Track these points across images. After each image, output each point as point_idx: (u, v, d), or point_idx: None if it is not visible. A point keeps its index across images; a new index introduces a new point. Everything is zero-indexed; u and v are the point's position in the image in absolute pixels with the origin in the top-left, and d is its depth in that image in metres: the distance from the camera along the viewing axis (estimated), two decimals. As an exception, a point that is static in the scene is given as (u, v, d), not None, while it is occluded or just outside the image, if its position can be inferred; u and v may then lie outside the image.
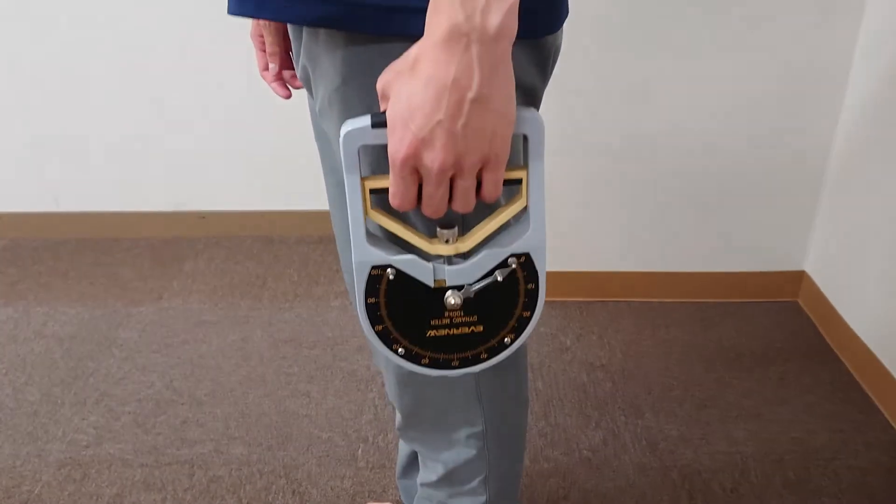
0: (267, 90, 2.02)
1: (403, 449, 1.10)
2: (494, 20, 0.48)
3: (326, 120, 0.65)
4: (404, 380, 0.76)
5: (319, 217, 2.19)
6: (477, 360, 0.64)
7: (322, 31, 0.60)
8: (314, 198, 2.16)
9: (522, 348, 0.80)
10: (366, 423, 1.49)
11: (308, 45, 0.63)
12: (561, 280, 1.86)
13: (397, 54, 0.55)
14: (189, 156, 2.12)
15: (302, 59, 0.66)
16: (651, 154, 1.72)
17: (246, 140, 2.10)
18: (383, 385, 1.59)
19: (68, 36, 1.97)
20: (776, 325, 1.79)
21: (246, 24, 1.94)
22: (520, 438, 0.85)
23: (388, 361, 0.77)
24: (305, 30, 0.62)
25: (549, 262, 1.83)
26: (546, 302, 1.87)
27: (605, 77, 1.64)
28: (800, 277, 1.85)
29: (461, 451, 0.82)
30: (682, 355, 1.68)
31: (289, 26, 0.68)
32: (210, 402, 1.54)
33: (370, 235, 0.58)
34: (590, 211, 1.79)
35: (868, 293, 1.57)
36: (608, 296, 1.88)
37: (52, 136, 2.09)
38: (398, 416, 0.83)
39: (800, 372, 1.63)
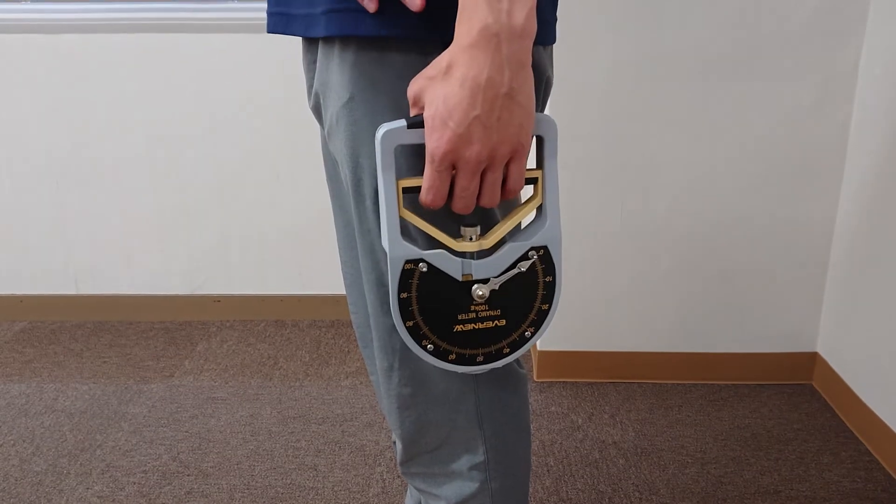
0: (283, 178, 2.11)
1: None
2: (519, 19, 0.54)
3: (334, 138, 0.70)
4: (405, 403, 0.76)
5: (332, 301, 2.22)
6: (500, 355, 0.66)
7: (336, 50, 0.65)
8: (327, 283, 2.20)
9: (523, 378, 0.81)
10: (373, 496, 1.45)
11: (321, 70, 0.69)
12: (572, 360, 1.86)
13: (398, 68, 0.62)
14: (206, 241, 2.19)
15: (315, 86, 0.71)
16: (660, 236, 1.76)
17: (261, 227, 2.17)
18: (392, 458, 1.56)
19: (97, 126, 2.09)
20: (791, 406, 1.76)
21: (265, 116, 2.06)
22: (523, 474, 0.83)
23: (388, 392, 0.77)
24: (320, 53, 0.68)
25: (559, 343, 1.84)
26: (557, 382, 1.86)
27: (613, 157, 1.71)
28: (813, 359, 1.83)
29: (463, 485, 0.80)
30: (696, 434, 1.65)
31: (304, 58, 0.74)
32: (216, 475, 1.52)
33: (403, 233, 0.62)
34: (600, 292, 1.81)
35: (884, 372, 1.56)
36: (619, 377, 1.87)
37: (76, 222, 2.17)
38: (399, 448, 0.82)
39: (818, 451, 1.59)
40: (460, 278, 0.63)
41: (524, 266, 0.64)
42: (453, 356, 0.65)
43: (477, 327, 0.65)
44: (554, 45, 1.64)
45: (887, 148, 1.54)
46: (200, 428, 1.68)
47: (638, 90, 1.66)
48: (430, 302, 0.63)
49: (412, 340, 0.65)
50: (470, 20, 0.54)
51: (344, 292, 2.17)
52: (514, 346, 0.67)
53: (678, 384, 1.86)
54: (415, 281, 0.62)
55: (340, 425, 1.69)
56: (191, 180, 2.13)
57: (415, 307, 0.63)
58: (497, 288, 0.64)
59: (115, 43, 2.02)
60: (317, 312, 2.24)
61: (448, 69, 0.56)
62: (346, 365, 1.98)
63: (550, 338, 1.85)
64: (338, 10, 0.63)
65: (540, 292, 0.65)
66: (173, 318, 2.25)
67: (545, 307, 0.66)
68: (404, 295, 0.63)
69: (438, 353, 0.65)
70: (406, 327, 0.64)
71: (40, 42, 2.02)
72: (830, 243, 1.75)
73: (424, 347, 0.65)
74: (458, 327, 0.64)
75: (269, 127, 2.09)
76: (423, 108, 0.59)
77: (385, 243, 0.62)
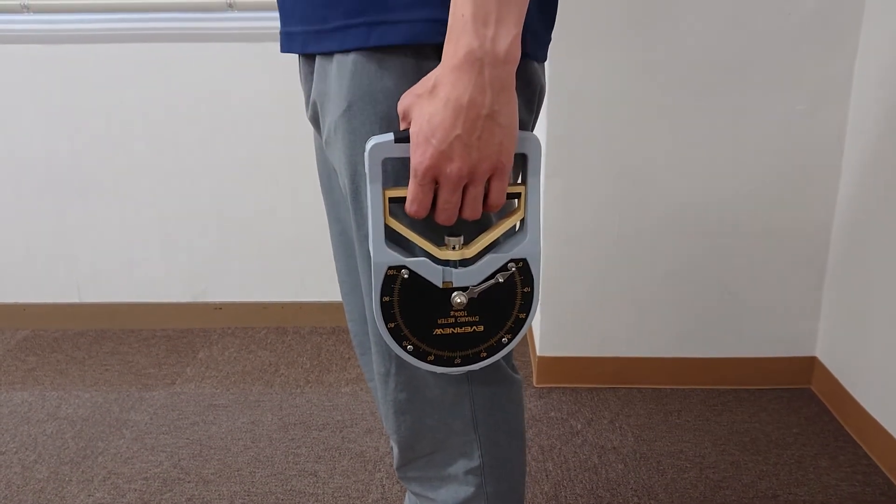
0: (283, 185, 2.12)
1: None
2: (503, 46, 0.57)
3: (331, 148, 0.71)
4: (401, 408, 0.78)
5: (333, 308, 2.23)
6: (477, 359, 0.69)
7: (334, 61, 0.67)
8: (328, 290, 2.21)
9: (518, 383, 0.82)
10: (373, 501, 1.46)
11: (318, 80, 0.70)
12: (571, 366, 1.87)
13: (395, 76, 0.64)
14: (208, 250, 2.20)
15: (312, 96, 0.73)
16: (660, 242, 1.77)
17: (262, 234, 2.18)
18: (391, 464, 1.57)
19: (98, 135, 2.10)
20: (790, 410, 1.76)
21: (265, 123, 2.08)
22: (518, 479, 0.84)
23: (384, 397, 0.78)
24: (317, 64, 0.69)
25: (558, 349, 1.85)
26: (556, 388, 1.87)
27: (611, 164, 1.72)
28: (811, 363, 1.84)
29: (459, 489, 0.81)
30: (695, 439, 1.66)
31: (302, 70, 0.76)
32: (217, 481, 1.53)
33: (388, 240, 0.65)
34: (599, 298, 1.82)
35: (883, 376, 1.56)
36: (618, 382, 1.88)
37: (78, 230, 2.19)
38: (396, 453, 0.83)
39: (817, 455, 1.59)
40: (441, 285, 0.66)
41: (503, 277, 0.66)
42: (432, 357, 0.69)
43: (456, 332, 0.68)
44: (552, 54, 1.65)
45: (883, 152, 1.55)
46: (201, 435, 1.69)
47: (634, 97, 1.67)
48: (412, 306, 0.66)
49: (393, 341, 0.68)
50: (457, 43, 0.57)
51: (344, 299, 2.19)
52: (491, 351, 0.70)
53: (677, 389, 1.86)
54: (397, 286, 0.65)
55: (340, 431, 1.70)
56: (191, 188, 2.15)
57: (396, 310, 0.66)
58: (476, 296, 0.66)
59: (115, 52, 2.04)
60: (317, 319, 2.25)
61: (434, 88, 0.58)
62: (347, 371, 1.99)
63: (550, 343, 1.86)
64: (343, 27, 0.65)
65: (518, 302, 0.68)
66: (175, 326, 2.26)
67: (522, 316, 0.69)
68: (386, 299, 0.66)
69: (418, 354, 0.68)
70: (388, 328, 0.67)
71: (41, 52, 2.04)
72: (828, 247, 1.76)
73: (405, 348, 0.68)
74: (438, 331, 0.67)
75: (269, 134, 2.10)
76: (410, 123, 0.61)
77: (370, 249, 0.65)
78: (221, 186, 2.14)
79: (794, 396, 1.82)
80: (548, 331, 1.85)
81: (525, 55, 0.66)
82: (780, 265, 1.77)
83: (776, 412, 1.76)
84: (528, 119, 0.72)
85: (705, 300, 1.81)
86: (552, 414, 1.76)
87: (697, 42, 1.62)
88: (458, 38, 0.56)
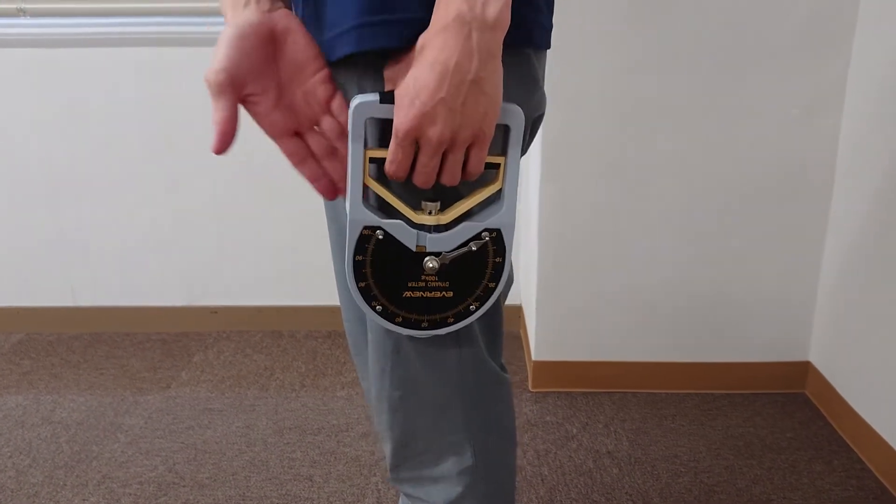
0: (280, 192, 2.12)
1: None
2: (492, 11, 0.56)
3: None
4: (395, 406, 0.78)
5: (328, 312, 2.23)
6: (444, 323, 0.70)
7: (341, 68, 0.67)
8: (324, 293, 2.21)
9: (508, 384, 0.83)
10: (368, 506, 1.46)
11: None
12: (566, 370, 1.87)
13: (380, 72, 0.64)
14: (203, 253, 2.20)
15: None
16: (655, 246, 1.77)
17: (258, 238, 2.19)
18: (386, 469, 1.57)
19: (94, 138, 2.10)
20: (784, 415, 1.77)
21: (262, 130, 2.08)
22: (508, 479, 0.85)
23: (379, 395, 0.79)
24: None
25: (554, 353, 1.85)
26: (552, 392, 1.87)
27: (605, 168, 1.72)
28: (805, 368, 1.85)
29: (450, 489, 0.82)
30: (689, 443, 1.66)
31: None
32: (212, 486, 1.53)
33: (365, 200, 0.65)
34: (594, 302, 1.82)
35: (876, 381, 1.57)
36: (614, 387, 1.88)
37: (73, 234, 2.19)
38: (389, 453, 0.84)
39: (811, 460, 1.60)
40: (414, 249, 0.66)
41: (476, 245, 0.67)
42: (400, 319, 0.69)
43: (425, 296, 0.68)
44: (549, 55, 1.65)
45: (876, 157, 1.55)
46: (196, 439, 1.69)
47: (628, 101, 1.68)
48: (383, 267, 0.67)
49: (363, 300, 0.68)
50: (447, 7, 0.56)
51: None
52: (459, 318, 0.70)
53: (672, 393, 1.87)
54: (370, 246, 0.66)
55: (336, 436, 1.70)
56: (188, 192, 2.15)
57: (368, 270, 0.67)
58: (448, 262, 0.67)
59: (111, 56, 2.04)
60: (313, 323, 2.25)
61: (421, 50, 0.58)
62: (342, 376, 1.99)
63: (545, 348, 1.86)
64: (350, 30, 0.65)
65: (489, 271, 0.69)
66: (170, 330, 2.26)
67: (492, 285, 0.69)
68: (359, 258, 0.66)
69: (386, 315, 0.69)
70: (358, 287, 0.67)
71: (38, 56, 2.04)
72: (822, 253, 1.77)
73: (374, 308, 0.68)
74: (408, 294, 0.68)
75: (265, 138, 2.09)
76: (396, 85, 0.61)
77: (347, 207, 0.65)
78: (217, 190, 2.15)
79: (789, 401, 1.83)
80: (543, 335, 1.85)
81: (529, 44, 0.66)
82: (775, 270, 1.78)
83: (770, 416, 1.76)
84: (526, 111, 0.71)
85: (700, 305, 1.82)
86: (547, 418, 1.76)
87: (692, 46, 1.63)
88: (449, 2, 0.56)
